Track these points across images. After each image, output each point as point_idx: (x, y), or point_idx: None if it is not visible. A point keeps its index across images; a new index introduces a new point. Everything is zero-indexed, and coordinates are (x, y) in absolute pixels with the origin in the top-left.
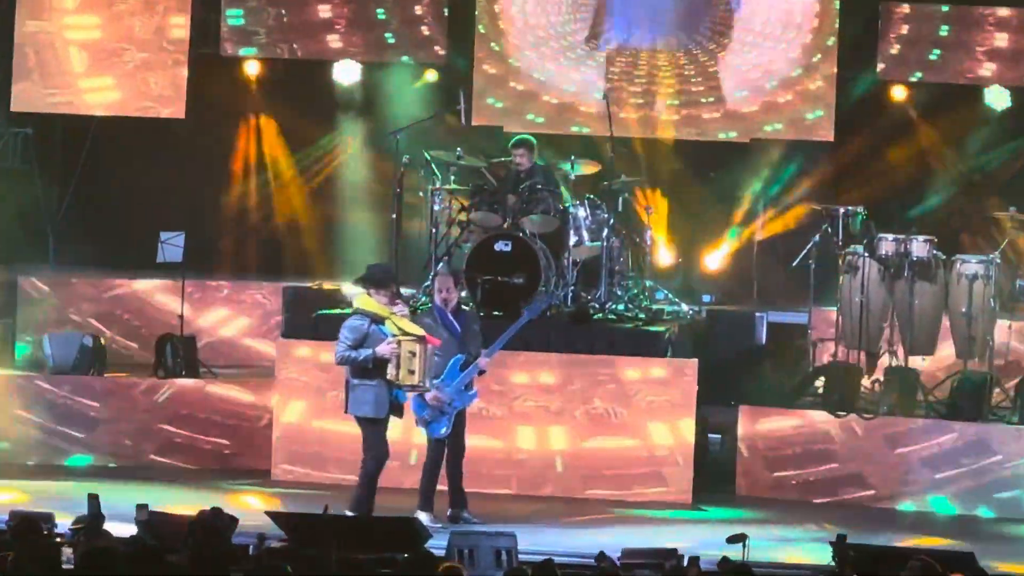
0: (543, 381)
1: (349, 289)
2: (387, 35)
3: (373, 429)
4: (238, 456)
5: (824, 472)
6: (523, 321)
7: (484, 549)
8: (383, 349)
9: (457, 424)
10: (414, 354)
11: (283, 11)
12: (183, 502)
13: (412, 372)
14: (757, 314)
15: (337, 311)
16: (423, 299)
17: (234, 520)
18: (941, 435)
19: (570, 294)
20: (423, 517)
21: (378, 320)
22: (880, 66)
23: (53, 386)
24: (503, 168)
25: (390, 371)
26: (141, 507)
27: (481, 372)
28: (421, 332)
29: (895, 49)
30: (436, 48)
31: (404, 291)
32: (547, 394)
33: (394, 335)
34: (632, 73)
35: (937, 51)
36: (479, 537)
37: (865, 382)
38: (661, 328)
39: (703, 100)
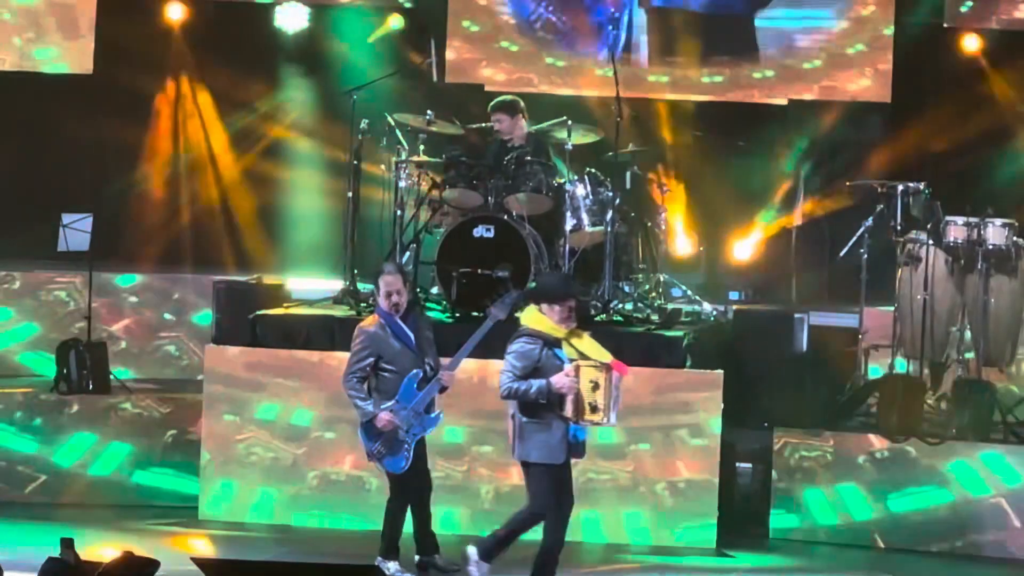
0: None
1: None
2: None
3: (543, 478)
4: (159, 489)
5: None
6: (489, 324)
7: None
8: (559, 381)
9: (418, 454)
10: (597, 385)
11: None
12: (94, 542)
13: (595, 408)
14: (796, 315)
15: (280, 311)
16: None
17: (152, 563)
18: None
19: None
20: (390, 567)
21: (553, 343)
22: (948, 9)
23: None
24: (484, 136)
25: (567, 407)
26: (66, 543)
27: (443, 389)
28: (607, 357)
29: None
30: None
31: (362, 287)
32: None
33: (572, 360)
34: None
35: None
36: None
37: (929, 399)
38: (678, 333)
39: (730, 54)
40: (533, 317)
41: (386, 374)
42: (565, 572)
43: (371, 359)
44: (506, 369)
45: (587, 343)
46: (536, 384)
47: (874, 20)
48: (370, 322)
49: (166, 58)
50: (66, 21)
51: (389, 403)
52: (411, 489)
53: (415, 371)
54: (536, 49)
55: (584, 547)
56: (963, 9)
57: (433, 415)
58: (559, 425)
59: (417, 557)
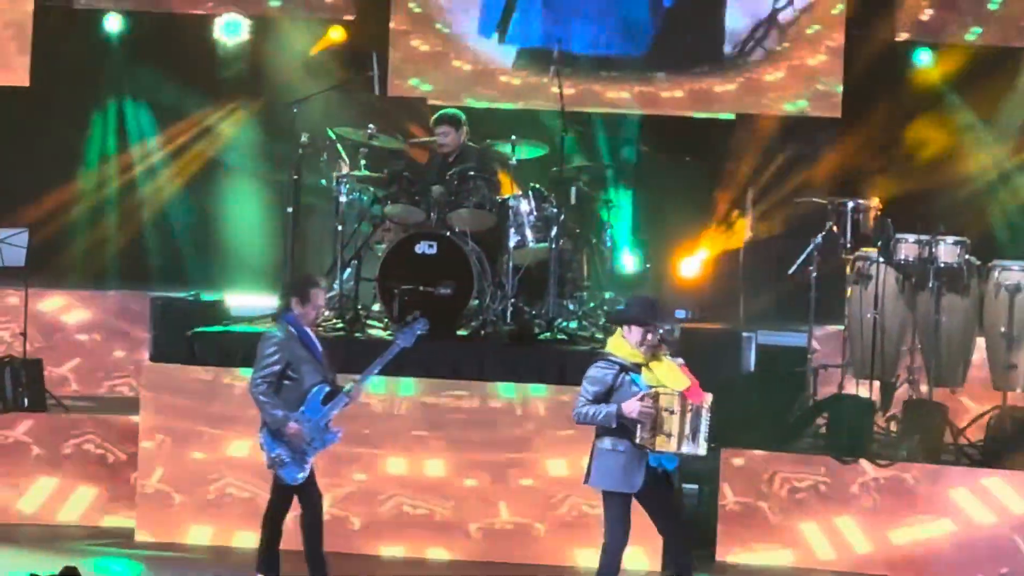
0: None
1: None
2: None
3: (613, 506)
4: (95, 511)
5: None
6: (395, 351)
7: None
8: (630, 407)
9: (312, 470)
10: (672, 411)
11: None
12: (26, 568)
13: (669, 436)
14: (744, 334)
15: (219, 328)
16: (325, 314)
17: None
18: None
19: (510, 308)
20: None
21: (631, 368)
22: (901, 25)
23: None
24: (427, 150)
25: (640, 433)
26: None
27: (345, 404)
28: (684, 384)
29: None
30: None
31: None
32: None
33: (651, 387)
34: None
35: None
36: None
37: (879, 420)
38: None
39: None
40: (614, 341)
41: (288, 382)
42: None
43: (280, 365)
44: (581, 393)
45: (665, 369)
46: (605, 409)
47: (824, 35)
48: (278, 329)
49: (103, 71)
50: (2, 35)
51: (295, 413)
52: (304, 506)
53: (322, 385)
54: (480, 64)
55: (523, 569)
56: (914, 24)
57: (333, 433)
58: (634, 452)
59: None
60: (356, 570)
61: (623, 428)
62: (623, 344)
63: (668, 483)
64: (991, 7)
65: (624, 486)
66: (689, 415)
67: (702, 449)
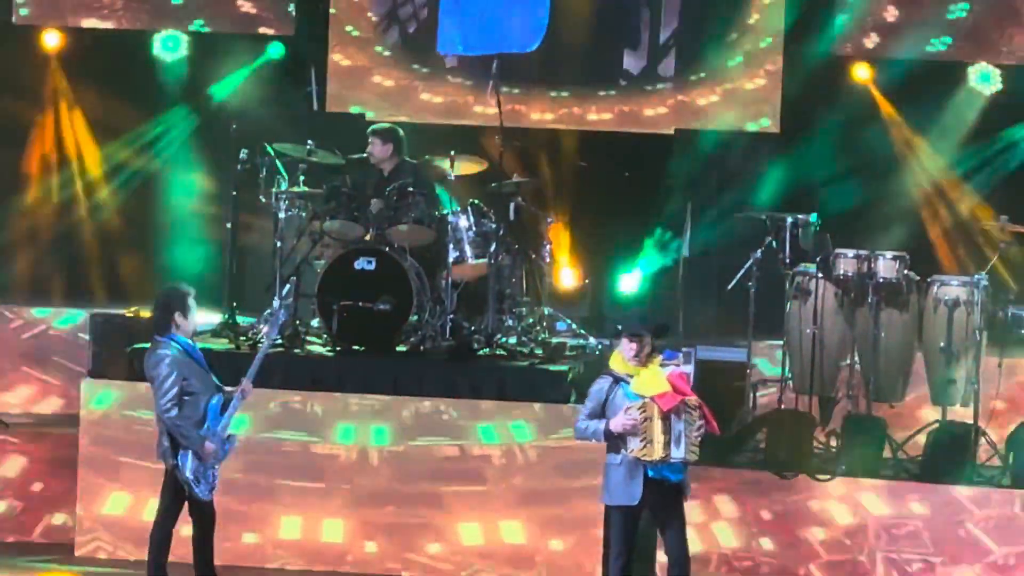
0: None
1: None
2: None
3: (615, 520)
4: (35, 525)
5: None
6: (267, 346)
7: None
8: (616, 421)
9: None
10: (650, 419)
11: None
12: None
13: (653, 443)
14: (683, 349)
15: None
16: (264, 330)
17: None
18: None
19: (449, 323)
20: None
21: (624, 380)
22: (838, 39)
23: None
24: (365, 166)
25: (630, 443)
26: None
27: (238, 406)
28: (658, 388)
29: (857, 16)
30: (282, 16)
31: (242, 320)
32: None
33: (640, 397)
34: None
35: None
36: None
37: (819, 435)
38: (563, 367)
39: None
40: (613, 356)
41: (187, 398)
42: None
43: (179, 385)
44: (581, 409)
45: (644, 378)
46: (594, 426)
47: (764, 51)
48: (165, 348)
49: (43, 87)
50: None
51: (204, 431)
52: (204, 521)
53: (218, 396)
54: (416, 80)
55: None
56: (852, 39)
57: (231, 440)
58: (631, 464)
59: None
60: None
61: (621, 440)
62: (617, 357)
63: (678, 497)
64: (934, 22)
65: (624, 499)
66: (662, 421)
67: (688, 454)
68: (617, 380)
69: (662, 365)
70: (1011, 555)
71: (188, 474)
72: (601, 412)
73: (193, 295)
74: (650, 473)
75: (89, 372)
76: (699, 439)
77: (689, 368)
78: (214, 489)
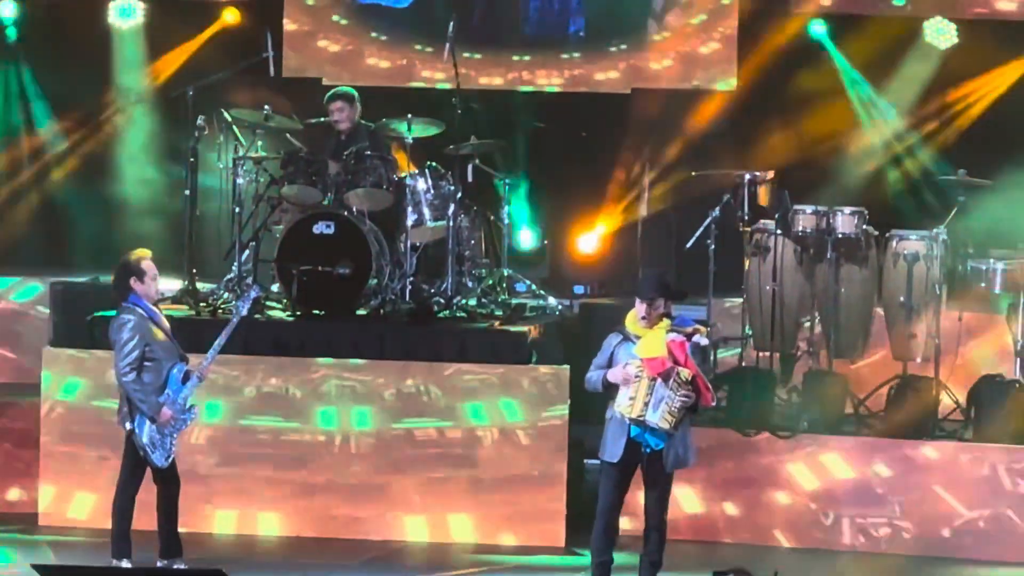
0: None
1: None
2: None
3: (605, 474)
4: None
5: None
6: (236, 321)
7: None
8: (615, 374)
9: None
10: (638, 377)
11: None
12: None
13: (632, 400)
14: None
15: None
16: (225, 296)
17: None
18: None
19: (408, 286)
20: (124, 563)
21: (632, 337)
22: None
23: None
24: (322, 131)
25: (619, 397)
26: None
27: (197, 384)
28: (654, 352)
29: None
30: None
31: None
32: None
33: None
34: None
35: None
36: None
37: (780, 392)
38: (523, 328)
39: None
40: (630, 313)
41: (148, 363)
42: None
43: (139, 349)
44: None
45: (646, 340)
46: (596, 374)
47: (722, 7)
48: (126, 312)
49: None
50: None
51: (162, 397)
52: (168, 487)
53: (180, 364)
54: (372, 44)
55: (432, 547)
56: None
57: (191, 411)
58: (618, 421)
59: (160, 562)
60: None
61: (615, 392)
62: (632, 316)
63: (661, 466)
64: None
65: (606, 454)
66: (649, 382)
67: (662, 421)
68: (626, 338)
69: (672, 330)
70: (980, 519)
71: (144, 439)
72: (608, 365)
73: (149, 259)
74: (632, 433)
75: (50, 341)
76: (681, 412)
77: (705, 341)
78: (170, 457)
